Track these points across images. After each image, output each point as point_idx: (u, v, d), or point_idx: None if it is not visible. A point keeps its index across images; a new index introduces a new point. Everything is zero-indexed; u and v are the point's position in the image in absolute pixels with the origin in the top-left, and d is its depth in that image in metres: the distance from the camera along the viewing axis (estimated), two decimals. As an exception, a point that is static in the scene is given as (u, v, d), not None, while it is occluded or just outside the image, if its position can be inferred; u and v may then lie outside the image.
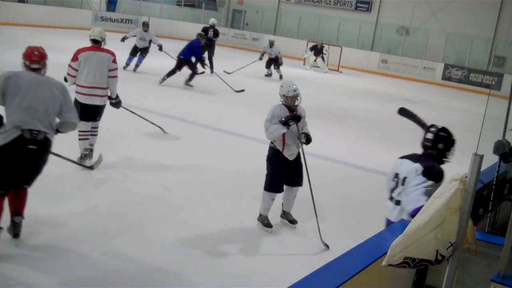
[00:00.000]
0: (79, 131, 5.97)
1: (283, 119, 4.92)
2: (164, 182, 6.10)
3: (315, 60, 19.98)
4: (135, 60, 13.77)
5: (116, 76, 6.10)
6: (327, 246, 4.84)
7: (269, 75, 16.46)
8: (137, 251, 4.36)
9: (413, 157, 3.56)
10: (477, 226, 3.13)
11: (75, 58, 5.95)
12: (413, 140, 10.70)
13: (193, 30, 17.08)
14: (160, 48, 13.47)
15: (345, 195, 6.58)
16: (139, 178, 6.12)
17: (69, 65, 5.99)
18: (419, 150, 3.72)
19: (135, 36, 13.80)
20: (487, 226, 4.08)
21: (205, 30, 15.76)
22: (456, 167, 3.96)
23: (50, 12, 22.39)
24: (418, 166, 3.42)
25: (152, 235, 4.70)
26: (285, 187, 5.22)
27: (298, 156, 5.20)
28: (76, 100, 5.78)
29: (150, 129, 8.30)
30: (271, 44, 16.22)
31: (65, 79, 5.86)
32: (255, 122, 9.92)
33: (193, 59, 12.69)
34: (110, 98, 6.21)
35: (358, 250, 2.87)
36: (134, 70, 13.73)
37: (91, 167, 6.02)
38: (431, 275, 3.07)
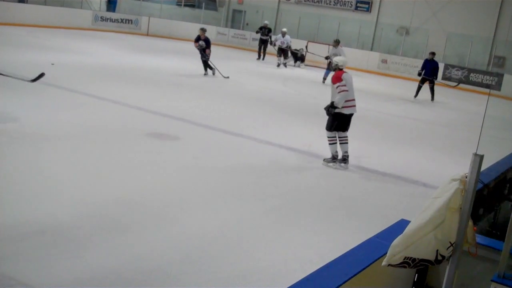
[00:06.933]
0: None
1: None
2: (164, 182, 6.09)
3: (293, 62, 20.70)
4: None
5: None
6: None
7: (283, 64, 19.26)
8: (136, 251, 4.35)
9: None
10: (477, 226, 3.12)
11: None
12: (414, 140, 10.64)
13: (193, 30, 17.08)
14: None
15: (345, 195, 6.58)
16: (139, 177, 6.12)
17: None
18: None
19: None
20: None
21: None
22: (456, 167, 3.97)
23: (50, 12, 22.39)
24: None
25: (152, 235, 4.69)
26: None
27: None
28: None
29: (150, 129, 8.30)
30: (283, 34, 19.46)
31: None
32: (255, 122, 9.97)
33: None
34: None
35: (358, 250, 2.88)
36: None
37: None
38: (431, 275, 3.08)
